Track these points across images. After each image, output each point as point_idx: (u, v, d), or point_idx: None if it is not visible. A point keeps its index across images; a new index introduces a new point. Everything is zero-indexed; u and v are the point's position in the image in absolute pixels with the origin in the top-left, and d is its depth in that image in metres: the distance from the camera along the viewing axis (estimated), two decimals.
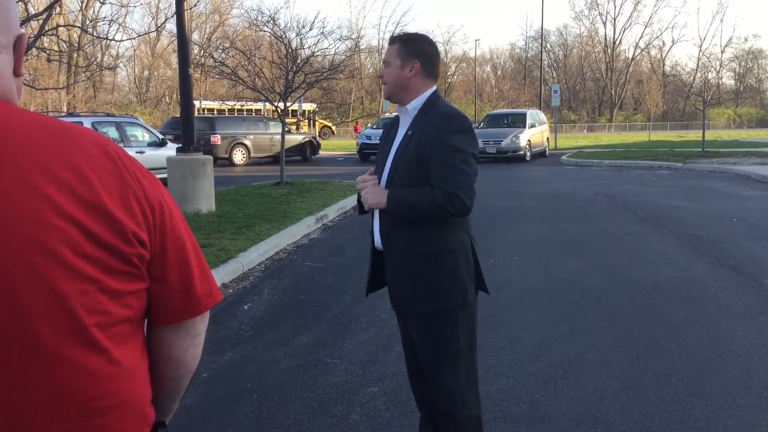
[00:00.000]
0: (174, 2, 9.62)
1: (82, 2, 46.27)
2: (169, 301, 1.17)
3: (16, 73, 1.11)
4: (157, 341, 1.22)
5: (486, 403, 3.29)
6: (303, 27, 13.32)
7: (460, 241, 2.52)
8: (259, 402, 3.77)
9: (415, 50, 2.57)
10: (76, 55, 44.43)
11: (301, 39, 13.42)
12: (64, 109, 42.34)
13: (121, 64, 58.67)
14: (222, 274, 6.26)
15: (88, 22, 48.28)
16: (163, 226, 1.12)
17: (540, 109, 30.60)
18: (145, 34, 36.70)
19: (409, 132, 2.53)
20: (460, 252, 2.51)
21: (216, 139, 21.72)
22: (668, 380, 3.90)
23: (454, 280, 2.50)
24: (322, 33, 13.37)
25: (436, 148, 2.41)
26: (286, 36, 12.89)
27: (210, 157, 10.14)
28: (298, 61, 12.76)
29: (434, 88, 2.61)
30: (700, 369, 4.07)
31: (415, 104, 2.56)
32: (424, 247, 2.49)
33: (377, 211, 2.61)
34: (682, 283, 6.07)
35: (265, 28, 13.28)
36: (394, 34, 2.69)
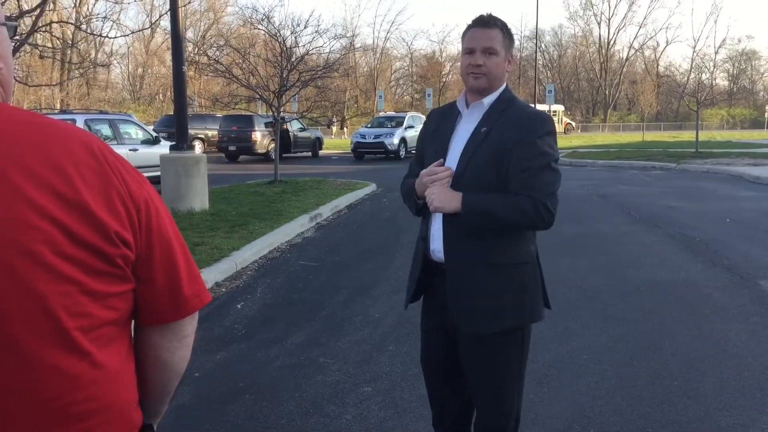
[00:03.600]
0: (168, 0, 9.58)
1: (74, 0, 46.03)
2: (156, 302, 1.14)
3: None
4: (145, 343, 1.19)
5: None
6: (298, 25, 13.31)
7: (530, 252, 2.28)
8: (252, 402, 3.75)
9: (512, 40, 2.28)
10: (69, 51, 44.33)
11: (295, 37, 13.40)
12: (58, 106, 42.13)
13: (115, 62, 58.53)
14: (215, 273, 6.23)
15: (82, 18, 48.12)
16: (149, 225, 1.09)
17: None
18: (139, 31, 36.57)
19: (483, 128, 2.22)
20: (531, 264, 2.28)
21: (255, 136, 23.02)
22: (662, 380, 3.90)
23: (529, 296, 2.26)
24: (317, 31, 13.36)
25: (522, 150, 2.13)
26: (280, 34, 12.86)
27: (204, 156, 10.11)
28: (293, 59, 12.72)
29: (506, 84, 2.32)
30: (693, 369, 4.07)
31: (491, 99, 2.26)
32: (497, 259, 2.21)
33: (438, 215, 2.28)
34: (676, 284, 6.07)
35: (260, 26, 13.22)
36: (490, 17, 2.26)
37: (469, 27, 2.28)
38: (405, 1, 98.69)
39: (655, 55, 78.46)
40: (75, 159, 1.01)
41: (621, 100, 79.50)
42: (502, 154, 2.15)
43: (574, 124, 61.34)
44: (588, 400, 3.67)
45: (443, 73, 73.96)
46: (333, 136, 45.82)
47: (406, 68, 74.36)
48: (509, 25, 2.31)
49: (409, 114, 27.49)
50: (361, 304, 5.34)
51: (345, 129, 47.74)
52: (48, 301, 0.97)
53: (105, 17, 47.96)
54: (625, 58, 77.48)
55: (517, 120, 2.20)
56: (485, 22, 2.24)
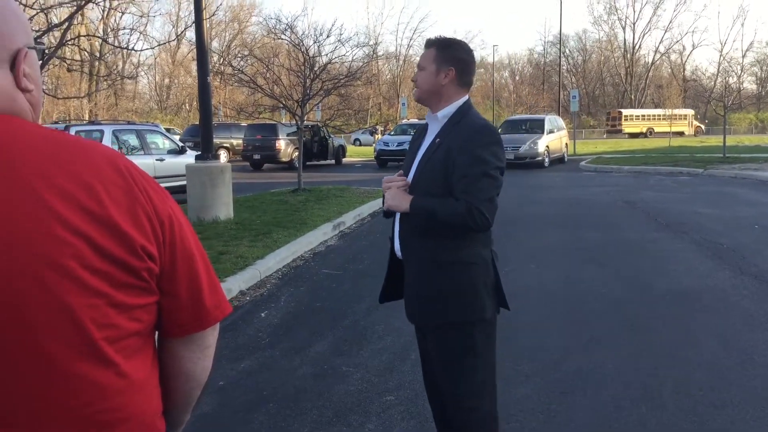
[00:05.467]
0: (194, 11, 9.72)
1: (103, 11, 46.83)
2: (179, 314, 1.17)
3: (18, 87, 1.10)
4: (168, 354, 1.22)
5: (502, 414, 3.24)
6: (320, 34, 13.41)
7: (479, 254, 2.46)
8: (276, 410, 3.78)
9: (451, 57, 2.50)
10: (97, 63, 45.02)
11: (318, 46, 13.50)
12: (86, 117, 42.86)
13: (142, 72, 59.42)
14: (240, 281, 6.29)
15: (109, 31, 48.94)
16: (173, 240, 1.13)
17: (558, 115, 30.42)
18: (165, 43, 37.08)
19: (437, 140, 2.47)
20: (479, 265, 2.45)
21: (279, 144, 23.29)
22: (687, 390, 3.85)
23: (471, 293, 2.44)
24: (339, 40, 13.42)
25: (463, 159, 2.35)
26: (303, 44, 12.96)
27: (228, 165, 10.22)
28: (316, 68, 12.82)
29: (466, 97, 2.55)
30: (720, 379, 4.02)
31: (446, 112, 2.50)
32: (442, 257, 2.43)
33: (398, 217, 2.57)
34: (703, 292, 5.99)
35: (283, 36, 13.35)
36: (431, 38, 2.59)
37: None
38: (427, 8, 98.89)
39: (681, 59, 77.58)
40: (102, 176, 1.05)
41: (647, 104, 78.70)
42: (450, 162, 2.38)
43: (703, 127, 61.11)
44: (611, 410, 3.64)
45: None
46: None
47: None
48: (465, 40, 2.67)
49: None
50: (383, 313, 5.34)
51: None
52: (76, 313, 1.00)
53: (132, 29, 48.78)
54: (650, 62, 76.76)
55: (464, 131, 2.43)
56: (426, 44, 2.60)
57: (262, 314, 5.63)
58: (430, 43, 2.56)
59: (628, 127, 56.87)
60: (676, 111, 53.24)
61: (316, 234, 8.84)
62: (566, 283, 6.48)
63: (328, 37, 13.72)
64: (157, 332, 1.21)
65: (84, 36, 5.74)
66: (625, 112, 59.02)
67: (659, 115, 54.88)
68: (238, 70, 13.46)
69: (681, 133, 52.62)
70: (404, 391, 3.99)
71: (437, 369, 2.59)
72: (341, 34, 14.77)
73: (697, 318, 5.24)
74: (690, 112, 57.86)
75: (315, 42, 13.34)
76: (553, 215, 11.16)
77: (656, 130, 55.26)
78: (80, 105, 43.21)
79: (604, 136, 60.87)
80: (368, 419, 3.63)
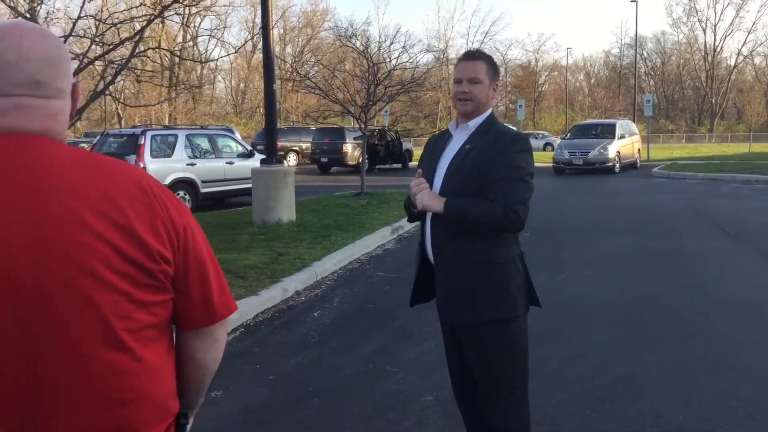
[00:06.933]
0: (261, 21, 10.07)
1: (182, 18, 48.66)
2: (191, 310, 1.36)
3: (71, 115, 1.35)
4: (183, 346, 1.41)
5: (538, 417, 3.32)
6: (384, 41, 13.63)
7: (511, 254, 2.56)
8: (320, 405, 3.95)
9: (497, 70, 2.68)
10: (176, 69, 46.77)
11: (383, 53, 13.72)
12: (166, 120, 44.64)
13: (219, 77, 61.37)
14: (296, 282, 6.52)
15: (188, 37, 50.78)
16: (186, 246, 1.32)
17: (634, 119, 29.68)
18: (237, 50, 38.23)
19: (468, 146, 2.58)
20: (511, 265, 2.55)
21: (346, 148, 23.73)
22: (729, 401, 3.81)
23: (504, 292, 2.53)
24: (403, 47, 13.60)
25: (499, 164, 2.48)
26: (368, 51, 13.20)
27: (292, 169, 10.53)
28: (379, 74, 13.02)
29: (491, 108, 2.70)
30: (763, 391, 3.95)
31: (476, 122, 2.63)
32: (476, 257, 2.52)
33: (428, 220, 2.65)
34: (761, 304, 5.84)
35: (348, 43, 13.62)
36: (475, 51, 2.71)
37: (459, 60, 2.71)
38: (499, 11, 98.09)
39: (767, 62, 74.17)
40: (127, 193, 1.25)
41: (729, 109, 75.68)
42: (482, 167, 2.50)
43: None
44: (650, 418, 3.64)
45: (539, 83, 73.05)
46: None
47: (500, 78, 73.79)
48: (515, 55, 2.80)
49: None
50: (432, 316, 5.38)
51: None
52: (100, 307, 1.19)
53: (210, 35, 50.51)
54: (732, 65, 73.75)
55: (497, 138, 2.56)
56: (471, 56, 2.67)
57: (315, 314, 5.83)
58: (479, 56, 2.66)
59: None
60: None
61: (374, 237, 9.02)
62: (621, 291, 6.42)
63: (392, 44, 13.90)
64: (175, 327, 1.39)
65: (153, 48, 6.13)
66: None
67: None
68: (304, 76, 13.82)
69: None
70: (443, 392, 4.08)
71: (472, 366, 2.69)
72: (406, 41, 14.97)
73: (750, 330, 5.12)
74: None
75: (379, 49, 13.55)
76: (615, 222, 10.98)
77: None
78: (160, 108, 45.01)
79: (683, 141, 58.94)
80: (406, 417, 3.76)
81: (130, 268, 1.21)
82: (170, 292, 1.30)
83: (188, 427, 1.49)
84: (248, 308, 5.63)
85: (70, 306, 1.16)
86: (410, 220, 2.84)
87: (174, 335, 1.41)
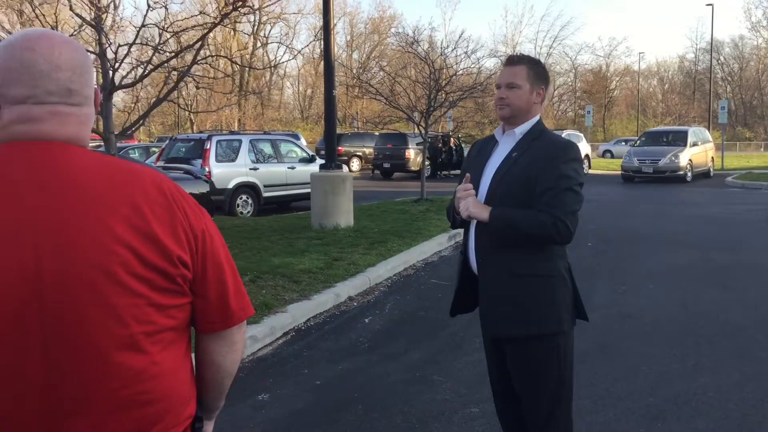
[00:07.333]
0: (322, 29, 10.20)
1: (253, 27, 49.82)
2: (208, 313, 1.38)
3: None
4: (202, 349, 1.44)
5: None
6: (446, 47, 13.59)
7: (556, 267, 2.49)
8: (363, 412, 3.95)
9: (542, 76, 2.59)
10: (247, 75, 47.88)
11: (445, 59, 13.67)
12: (236, 125, 45.78)
13: (288, 83, 62.48)
14: (349, 288, 6.56)
15: (258, 44, 51.92)
16: (204, 250, 1.34)
17: (710, 125, 28.61)
18: (296, 54, 38.81)
19: (514, 153, 2.52)
20: (557, 278, 2.49)
21: (409, 153, 23.85)
22: None
23: (549, 306, 2.47)
24: (465, 53, 13.53)
25: (547, 173, 2.41)
26: (429, 57, 13.19)
27: (350, 174, 10.61)
28: (441, 80, 12.99)
29: (539, 115, 2.62)
30: None
31: (523, 128, 2.56)
32: (520, 269, 2.46)
33: (473, 229, 2.60)
34: None
35: (410, 49, 13.65)
36: (518, 55, 2.65)
37: (502, 66, 2.67)
38: (569, 15, 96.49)
39: None
40: (148, 198, 1.28)
41: None
42: (530, 176, 2.44)
43: None
44: None
45: (610, 88, 71.32)
46: None
47: (569, 83, 72.52)
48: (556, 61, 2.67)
49: (565, 132, 26.84)
50: None
51: None
52: (120, 311, 1.22)
53: (279, 43, 51.53)
54: None
55: (546, 147, 2.50)
56: (511, 61, 2.61)
57: (366, 320, 5.85)
58: (520, 60, 2.60)
59: None
60: None
61: (430, 244, 8.99)
62: (682, 306, 6.19)
63: (454, 50, 13.83)
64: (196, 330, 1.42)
65: (212, 56, 6.28)
66: None
67: None
68: (366, 82, 13.92)
69: None
70: (490, 404, 3.98)
71: (514, 381, 2.63)
72: (468, 46, 14.82)
73: None
74: None
75: (441, 55, 13.51)
76: (684, 233, 10.61)
77: None
78: (230, 113, 46.16)
79: (761, 149, 56.48)
80: (449, 428, 3.73)
81: (150, 272, 1.24)
82: (188, 296, 1.33)
83: (204, 430, 1.51)
84: (300, 312, 5.69)
85: (90, 309, 1.20)
86: (453, 227, 2.78)
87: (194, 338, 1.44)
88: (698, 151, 22.76)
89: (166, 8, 5.56)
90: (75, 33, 5.69)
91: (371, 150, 27.45)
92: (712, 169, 24.48)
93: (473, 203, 2.49)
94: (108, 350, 1.22)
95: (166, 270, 1.26)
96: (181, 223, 1.29)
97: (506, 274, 2.49)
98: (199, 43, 5.61)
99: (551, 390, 2.55)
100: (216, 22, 5.59)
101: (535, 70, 2.57)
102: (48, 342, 1.19)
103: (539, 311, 2.47)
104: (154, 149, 18.09)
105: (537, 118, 2.59)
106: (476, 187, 2.57)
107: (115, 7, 5.67)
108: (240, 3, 5.76)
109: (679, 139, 22.54)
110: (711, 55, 44.17)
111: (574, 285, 2.55)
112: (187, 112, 38.71)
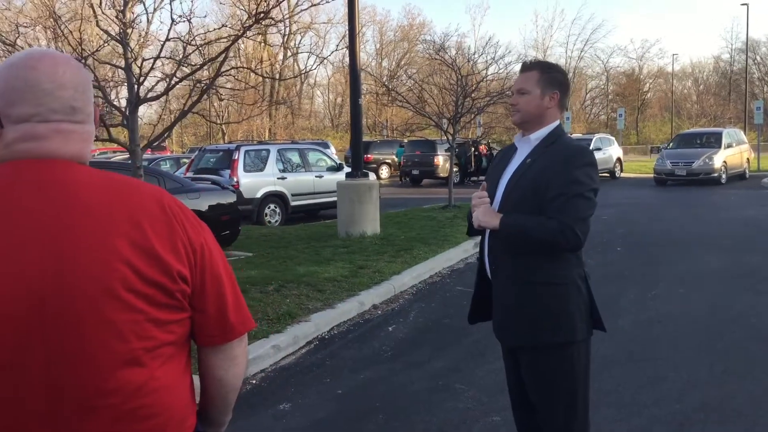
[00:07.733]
0: (348, 38, 10.27)
1: (283, 36, 50.30)
2: (208, 327, 1.39)
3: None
4: (204, 364, 1.45)
5: None
6: (474, 54, 13.58)
7: (572, 274, 2.45)
8: (384, 422, 3.95)
9: (555, 80, 2.55)
10: (277, 85, 48.31)
11: (473, 65, 13.66)
12: (266, 134, 46.22)
13: (318, 92, 62.91)
14: (373, 296, 6.56)
15: (288, 54, 52.43)
16: (203, 264, 1.35)
17: (745, 127, 28.01)
18: (323, 61, 38.90)
19: (528, 160, 2.49)
20: (571, 286, 2.44)
21: (438, 160, 23.75)
22: None
23: (562, 315, 2.44)
24: (492, 58, 13.50)
25: (558, 179, 2.38)
26: (456, 62, 13.18)
27: (376, 182, 10.65)
28: (468, 86, 12.97)
29: (558, 121, 2.58)
30: None
31: (539, 134, 2.53)
32: (533, 278, 2.44)
33: (488, 235, 2.58)
34: None
35: (437, 56, 13.66)
36: (530, 61, 2.66)
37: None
38: (600, 19, 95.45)
39: None
40: (149, 213, 1.30)
41: None
42: (543, 181, 2.41)
43: None
44: None
45: (642, 90, 70.33)
46: None
47: (601, 87, 71.70)
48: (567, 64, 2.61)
49: (597, 136, 26.52)
50: None
51: None
52: (120, 327, 1.24)
53: (309, 53, 52.00)
54: None
55: (559, 152, 2.46)
56: (524, 67, 2.62)
57: (390, 328, 5.84)
58: (531, 66, 2.59)
59: None
60: None
61: (456, 251, 8.96)
62: (713, 311, 6.06)
63: (481, 55, 13.82)
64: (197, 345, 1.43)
65: (236, 68, 6.36)
66: None
67: None
68: (392, 89, 13.97)
69: None
70: (510, 413, 3.93)
71: (529, 390, 2.60)
72: (495, 52, 14.75)
73: None
74: None
75: (468, 61, 13.50)
76: (717, 236, 10.40)
77: None
78: (261, 123, 46.59)
79: None
80: None
81: (150, 288, 1.25)
82: (187, 311, 1.34)
83: None
84: (323, 321, 5.71)
85: (91, 325, 1.21)
86: (470, 234, 2.76)
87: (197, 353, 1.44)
88: (733, 152, 22.31)
89: (190, 22, 5.64)
90: (100, 48, 5.83)
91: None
92: (747, 171, 23.95)
93: (483, 212, 2.48)
94: (109, 366, 1.23)
95: (165, 285, 1.27)
96: (180, 238, 1.31)
97: (518, 282, 2.47)
98: (223, 55, 5.69)
99: (566, 401, 2.51)
100: (239, 34, 5.66)
101: (548, 74, 2.54)
102: (49, 357, 1.20)
103: (551, 320, 2.43)
104: (184, 160, 18.35)
105: (556, 123, 2.55)
106: (493, 194, 2.55)
107: (149, 22, 5.81)
108: (262, 15, 5.82)
109: (714, 141, 22.13)
110: (746, 54, 43.40)
111: (590, 293, 2.50)
112: (218, 123, 39.24)
